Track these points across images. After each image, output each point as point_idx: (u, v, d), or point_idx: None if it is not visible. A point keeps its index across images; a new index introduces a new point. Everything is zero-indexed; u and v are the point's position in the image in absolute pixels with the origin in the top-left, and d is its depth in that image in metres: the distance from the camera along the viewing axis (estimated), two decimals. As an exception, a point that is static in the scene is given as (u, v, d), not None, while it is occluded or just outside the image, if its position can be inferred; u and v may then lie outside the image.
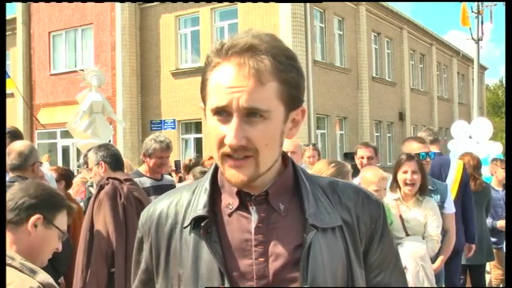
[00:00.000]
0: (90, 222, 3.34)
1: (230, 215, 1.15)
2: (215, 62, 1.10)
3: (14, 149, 3.33)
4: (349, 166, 3.43)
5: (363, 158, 4.83)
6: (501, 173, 6.06)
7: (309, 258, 1.09)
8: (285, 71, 1.08)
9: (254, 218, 1.13)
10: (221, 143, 1.08)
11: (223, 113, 1.07)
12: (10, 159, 3.28)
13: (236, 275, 1.10)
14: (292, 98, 1.11)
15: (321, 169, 3.24)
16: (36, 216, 1.83)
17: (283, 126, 1.12)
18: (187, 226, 1.15)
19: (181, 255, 1.14)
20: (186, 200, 1.20)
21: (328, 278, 1.10)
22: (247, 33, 1.10)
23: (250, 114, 1.06)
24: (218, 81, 1.08)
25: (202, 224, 1.12)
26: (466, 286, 5.38)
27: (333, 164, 3.31)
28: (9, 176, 3.38)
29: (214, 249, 1.10)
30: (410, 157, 3.74)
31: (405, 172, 3.66)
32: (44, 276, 1.67)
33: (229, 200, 1.16)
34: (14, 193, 1.86)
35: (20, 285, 1.62)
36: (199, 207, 1.15)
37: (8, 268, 1.66)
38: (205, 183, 1.20)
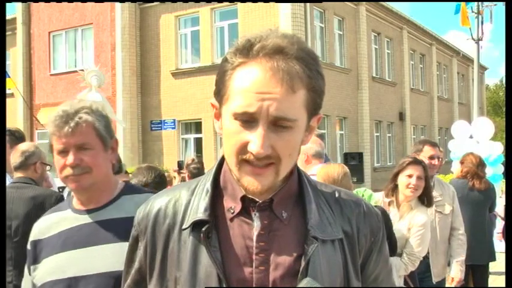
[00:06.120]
0: None
1: (232, 219, 1.11)
2: (240, 61, 1.03)
3: (18, 148, 3.42)
4: (346, 168, 3.28)
5: (433, 158, 4.25)
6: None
7: (308, 270, 1.06)
8: (314, 78, 1.04)
9: (256, 224, 1.10)
10: (242, 149, 1.02)
11: (248, 119, 1.01)
12: (13, 158, 3.35)
13: (235, 282, 1.07)
14: (316, 106, 1.07)
15: (331, 175, 3.08)
16: None
17: (303, 135, 1.09)
18: (186, 228, 1.12)
19: (179, 258, 1.11)
20: (185, 199, 1.16)
21: (320, 285, 1.07)
22: (274, 33, 1.04)
23: (277, 123, 1.01)
24: (245, 84, 1.01)
25: (203, 229, 1.09)
26: (468, 286, 5.37)
27: (342, 169, 3.14)
28: (13, 176, 3.42)
29: (214, 255, 1.07)
30: (417, 161, 3.58)
31: (410, 176, 3.50)
32: None
33: (231, 204, 1.12)
34: (151, 169, 3.17)
35: None
36: (200, 210, 1.11)
37: None
38: (207, 184, 1.15)
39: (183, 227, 1.12)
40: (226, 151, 1.06)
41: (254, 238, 1.09)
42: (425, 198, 3.55)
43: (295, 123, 1.02)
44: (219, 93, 1.07)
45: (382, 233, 1.20)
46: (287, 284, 1.07)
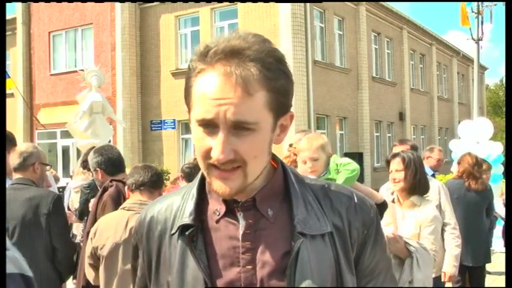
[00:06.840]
0: (94, 224, 3.34)
1: (218, 221, 1.12)
2: (199, 68, 1.04)
3: (17, 150, 3.42)
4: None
5: None
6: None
7: (296, 266, 1.06)
8: (274, 79, 1.03)
9: (242, 224, 1.10)
10: (207, 155, 1.04)
11: (209, 125, 1.02)
12: (12, 159, 3.35)
13: (223, 283, 1.08)
14: (281, 105, 1.07)
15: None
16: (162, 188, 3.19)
17: (271, 135, 1.08)
18: (174, 233, 1.14)
19: (170, 263, 1.13)
20: (176, 205, 1.18)
21: (317, 286, 1.07)
22: (233, 35, 1.04)
23: (238, 127, 1.01)
24: (203, 90, 1.02)
25: (186, 233, 1.11)
26: (466, 287, 5.37)
27: None
28: (12, 178, 3.41)
29: (199, 258, 1.08)
30: (393, 155, 3.66)
31: (391, 171, 3.58)
32: None
33: (216, 206, 1.13)
34: (147, 168, 3.11)
35: None
36: (185, 215, 1.13)
37: None
38: (193, 189, 1.17)
39: (172, 232, 1.15)
40: (196, 156, 1.09)
41: (240, 238, 1.10)
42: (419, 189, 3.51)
43: (257, 125, 1.02)
44: (186, 100, 1.09)
45: (376, 224, 1.19)
46: (275, 282, 1.07)
